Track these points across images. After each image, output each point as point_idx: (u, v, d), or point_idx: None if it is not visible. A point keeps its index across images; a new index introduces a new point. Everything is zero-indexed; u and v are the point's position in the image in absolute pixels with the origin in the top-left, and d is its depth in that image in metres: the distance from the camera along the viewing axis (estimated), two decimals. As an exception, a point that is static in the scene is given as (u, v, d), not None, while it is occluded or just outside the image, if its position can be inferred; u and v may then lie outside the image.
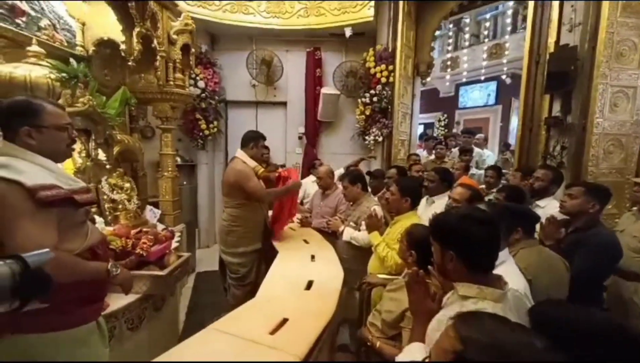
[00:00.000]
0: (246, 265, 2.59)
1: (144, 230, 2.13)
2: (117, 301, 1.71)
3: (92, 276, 1.17)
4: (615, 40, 2.57)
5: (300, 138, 5.06)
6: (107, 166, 2.51)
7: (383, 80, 4.29)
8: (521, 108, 3.38)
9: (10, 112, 1.14)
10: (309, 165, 4.29)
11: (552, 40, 2.99)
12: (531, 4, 3.28)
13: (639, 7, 2.56)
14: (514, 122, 8.76)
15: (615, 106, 2.67)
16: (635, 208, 2.21)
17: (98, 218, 2.39)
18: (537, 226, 1.84)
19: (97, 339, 1.25)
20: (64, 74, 2.00)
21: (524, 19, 7.13)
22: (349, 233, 2.43)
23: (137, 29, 2.56)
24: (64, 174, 1.20)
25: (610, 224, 2.42)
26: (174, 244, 2.67)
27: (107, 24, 2.67)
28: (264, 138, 2.68)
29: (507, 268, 1.33)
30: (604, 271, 1.87)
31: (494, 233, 0.99)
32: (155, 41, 2.79)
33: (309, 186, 3.68)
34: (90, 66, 2.75)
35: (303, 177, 4.15)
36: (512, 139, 8.21)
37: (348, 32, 4.42)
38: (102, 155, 2.45)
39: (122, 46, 2.61)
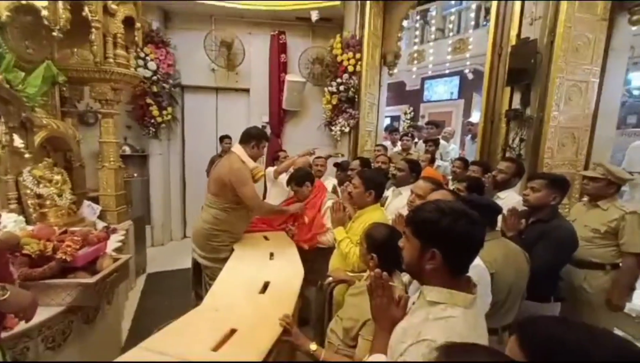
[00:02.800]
0: None
1: (70, 230, 1.82)
2: (31, 317, 1.43)
3: None
4: (573, 35, 2.62)
5: (264, 127, 4.80)
6: (27, 155, 2.12)
7: (350, 68, 4.16)
8: (484, 101, 3.41)
9: None
10: (273, 156, 4.07)
11: (514, 33, 3.02)
12: (495, -4, 3.29)
13: (594, 3, 2.64)
14: (475, 116, 9.11)
15: (570, 99, 2.75)
16: (585, 199, 2.29)
17: (17, 217, 2.02)
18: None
19: None
20: (-44, 40, 1.60)
21: (487, 14, 7.34)
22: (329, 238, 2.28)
23: (61, -8, 2.16)
24: None
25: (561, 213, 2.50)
26: (114, 244, 2.37)
27: (23, -15, 2.23)
28: (268, 139, 2.43)
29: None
30: (563, 262, 1.91)
31: (483, 235, 0.90)
32: (86, 9, 2.39)
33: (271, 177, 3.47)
34: (5, 35, 2.30)
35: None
36: (466, 135, 8.54)
37: (314, 15, 4.21)
38: (18, 141, 2.06)
39: (45, 13, 2.20)
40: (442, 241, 0.86)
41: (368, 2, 4.07)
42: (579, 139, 2.84)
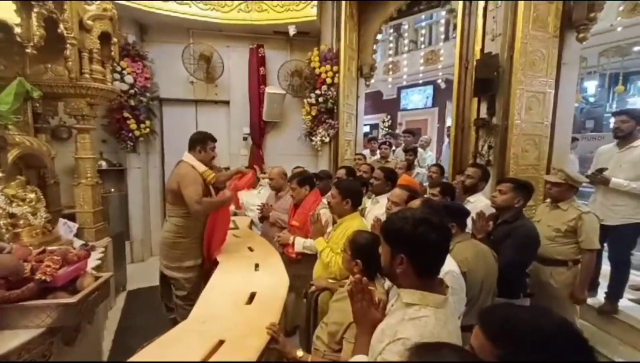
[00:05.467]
0: (193, 280, 2.35)
1: (49, 249, 1.78)
2: (9, 340, 1.39)
3: None
4: (528, 50, 2.87)
5: (245, 138, 4.84)
6: (0, 174, 2.06)
7: (328, 80, 4.29)
8: (454, 110, 3.62)
9: None
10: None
11: (478, 48, 3.25)
12: (459, 15, 3.54)
13: (546, 22, 2.90)
14: (449, 123, 9.55)
15: (530, 109, 2.99)
16: (548, 201, 2.48)
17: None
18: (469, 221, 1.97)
19: None
20: None
21: (455, 28, 7.78)
22: (300, 243, 2.33)
23: (36, 10, 2.15)
24: None
25: (527, 214, 2.68)
26: (94, 262, 2.32)
27: (-5, 2, 2.19)
28: (214, 139, 2.41)
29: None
30: (528, 259, 2.06)
31: (447, 239, 0.98)
32: (62, 26, 2.38)
33: (243, 194, 3.51)
34: (-25, 52, 2.26)
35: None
36: (445, 140, 8.94)
37: (292, 30, 4.33)
38: (-9, 161, 2.01)
39: (17, 30, 2.17)
40: (407, 246, 0.94)
41: (343, 17, 4.24)
42: (540, 145, 3.07)
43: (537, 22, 2.86)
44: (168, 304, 2.54)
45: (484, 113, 3.24)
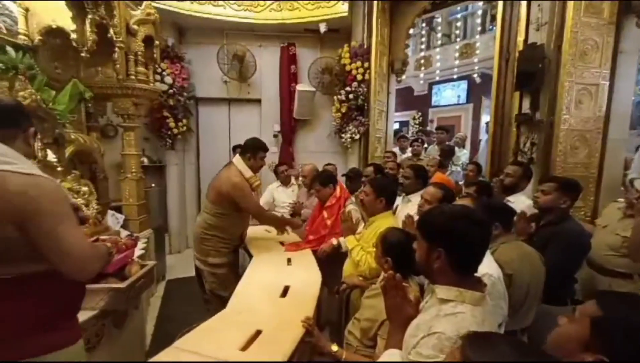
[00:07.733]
0: (220, 276, 2.42)
1: (102, 238, 1.92)
2: (68, 320, 1.52)
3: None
4: (579, 40, 2.66)
5: (275, 136, 4.93)
6: (59, 169, 2.26)
7: (359, 77, 4.24)
8: (493, 106, 3.45)
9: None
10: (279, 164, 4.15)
11: (520, 38, 3.07)
12: (501, 3, 3.35)
13: (600, 7, 2.67)
14: (484, 120, 9.09)
15: (580, 103, 2.77)
16: (622, 202, 2.10)
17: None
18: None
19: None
20: (-1, 65, 1.75)
21: (493, 19, 7.37)
22: (344, 243, 2.27)
23: (89, 17, 2.32)
24: None
25: (576, 216, 2.47)
26: (138, 252, 2.48)
27: (55, 10, 2.40)
28: (265, 149, 2.49)
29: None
30: (575, 263, 1.91)
31: (487, 235, 0.95)
32: (111, 31, 2.55)
33: (275, 191, 3.54)
34: (37, 57, 2.47)
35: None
36: (483, 137, 8.51)
37: (323, 27, 4.33)
38: (51, 156, 2.20)
39: (73, 35, 2.36)
40: (445, 241, 0.92)
41: (375, 13, 4.17)
42: (591, 142, 2.84)
43: (590, 7, 2.64)
44: (204, 295, 2.65)
45: (526, 108, 3.06)
